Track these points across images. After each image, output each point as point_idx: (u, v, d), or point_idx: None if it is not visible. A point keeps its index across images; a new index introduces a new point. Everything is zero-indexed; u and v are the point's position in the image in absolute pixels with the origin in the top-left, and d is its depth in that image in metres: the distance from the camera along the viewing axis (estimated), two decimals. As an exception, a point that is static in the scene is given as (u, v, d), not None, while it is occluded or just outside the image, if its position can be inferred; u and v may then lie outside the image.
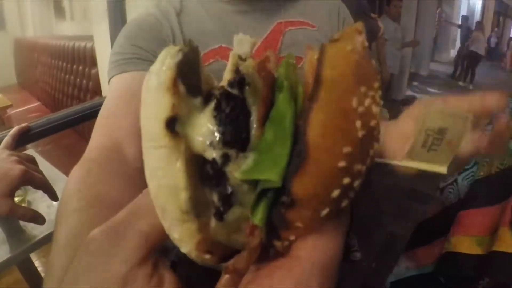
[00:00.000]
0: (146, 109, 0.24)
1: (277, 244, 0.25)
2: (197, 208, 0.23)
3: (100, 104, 0.69)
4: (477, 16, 14.62)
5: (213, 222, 0.24)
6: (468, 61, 8.94)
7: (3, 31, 6.58)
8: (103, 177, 0.54)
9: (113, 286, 0.24)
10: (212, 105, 0.24)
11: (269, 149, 0.23)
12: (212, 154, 0.23)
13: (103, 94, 2.60)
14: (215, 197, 0.24)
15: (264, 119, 0.24)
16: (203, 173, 0.24)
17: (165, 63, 0.24)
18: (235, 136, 0.23)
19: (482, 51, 8.61)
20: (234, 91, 0.25)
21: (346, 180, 0.23)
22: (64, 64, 3.76)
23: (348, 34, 0.25)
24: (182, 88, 0.24)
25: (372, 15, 2.06)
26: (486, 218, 0.69)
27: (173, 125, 0.22)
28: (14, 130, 0.96)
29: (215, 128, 0.23)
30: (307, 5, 0.84)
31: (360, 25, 0.25)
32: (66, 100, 3.82)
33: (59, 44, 3.92)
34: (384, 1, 6.14)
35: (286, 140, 0.23)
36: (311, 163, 0.21)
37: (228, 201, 0.24)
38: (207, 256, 0.24)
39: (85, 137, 3.15)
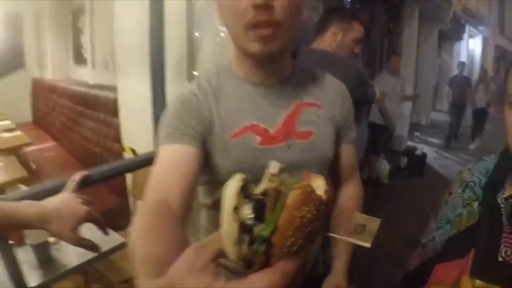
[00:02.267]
0: (226, 201, 0.50)
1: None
2: (240, 243, 0.48)
3: (146, 159, 0.94)
4: (476, 62, 14.92)
5: (245, 248, 0.48)
6: (474, 118, 8.27)
7: (22, 70, 6.95)
8: (157, 220, 0.75)
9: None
10: (253, 202, 0.50)
11: (268, 224, 0.48)
12: (249, 221, 0.49)
13: (123, 142, 2.88)
14: (247, 238, 0.49)
15: (272, 209, 0.50)
16: (244, 228, 0.49)
17: (234, 182, 0.50)
18: (259, 217, 0.49)
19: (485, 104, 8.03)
20: (262, 197, 0.50)
21: (292, 240, 0.47)
22: (85, 109, 4.06)
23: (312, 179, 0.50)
24: (241, 195, 0.50)
25: (370, 82, 2.32)
26: (456, 269, 0.85)
27: (236, 209, 0.48)
28: (77, 175, 1.15)
29: (252, 212, 0.49)
30: (319, 90, 1.07)
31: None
32: (84, 144, 4.09)
33: (80, 91, 4.23)
34: (384, 57, 6.50)
35: (274, 222, 0.48)
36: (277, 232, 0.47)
37: (252, 241, 0.49)
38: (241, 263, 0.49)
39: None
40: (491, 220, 0.82)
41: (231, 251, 0.47)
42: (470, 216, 0.88)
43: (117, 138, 3.21)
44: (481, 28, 14.20)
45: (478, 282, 0.75)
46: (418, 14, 7.20)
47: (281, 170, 0.53)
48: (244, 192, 0.50)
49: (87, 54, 4.92)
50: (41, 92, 5.84)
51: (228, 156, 0.95)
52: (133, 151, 2.75)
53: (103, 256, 1.92)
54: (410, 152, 5.97)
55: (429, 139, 8.72)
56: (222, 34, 0.96)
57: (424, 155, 5.89)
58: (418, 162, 5.75)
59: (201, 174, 0.93)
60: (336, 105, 1.08)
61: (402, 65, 5.70)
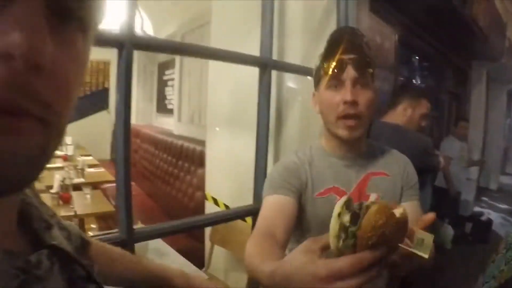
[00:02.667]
0: (334, 210, 0.73)
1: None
2: (338, 238, 0.71)
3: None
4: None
5: (341, 242, 0.70)
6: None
7: (107, 111, 7.66)
8: (267, 245, 1.04)
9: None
10: (350, 212, 0.71)
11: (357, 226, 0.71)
12: (346, 224, 0.70)
13: (206, 191, 3.15)
14: (343, 236, 0.70)
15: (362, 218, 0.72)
16: (343, 229, 0.70)
17: (342, 199, 0.75)
18: (353, 222, 0.70)
19: None
20: (357, 210, 0.73)
21: (369, 236, 0.67)
22: (170, 157, 4.46)
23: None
24: (345, 207, 0.73)
25: (435, 152, 2.51)
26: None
27: (339, 215, 0.72)
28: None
29: (349, 218, 0.71)
30: (385, 162, 1.33)
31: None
32: (165, 188, 4.47)
33: (166, 140, 4.66)
34: (451, 121, 6.55)
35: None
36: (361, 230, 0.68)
37: (347, 236, 0.70)
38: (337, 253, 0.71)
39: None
40: None
41: (332, 243, 0.70)
42: (509, 272, 1.07)
43: (201, 187, 3.54)
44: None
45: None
46: (486, 77, 7.23)
47: (377, 199, 0.76)
48: (347, 206, 0.73)
49: (173, 106, 5.40)
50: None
51: (314, 210, 1.23)
52: (215, 200, 3.00)
53: None
54: (475, 217, 5.86)
55: (497, 204, 8.39)
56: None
57: (489, 221, 5.75)
58: (483, 228, 5.61)
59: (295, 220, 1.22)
60: (399, 173, 1.32)
61: (470, 129, 5.74)
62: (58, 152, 5.04)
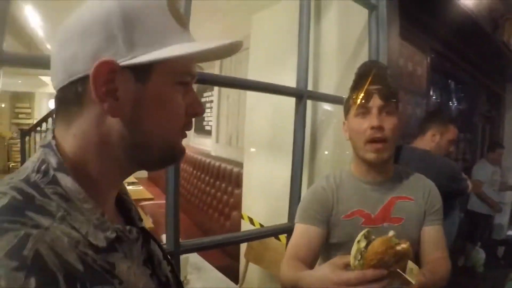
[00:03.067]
0: (356, 238, 0.95)
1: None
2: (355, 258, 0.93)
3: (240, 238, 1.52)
4: None
5: (356, 262, 0.93)
6: None
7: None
8: (295, 264, 1.26)
9: None
10: (366, 241, 0.93)
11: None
12: (363, 248, 0.92)
13: (242, 211, 3.32)
14: (359, 257, 0.93)
15: None
16: (359, 252, 0.93)
17: (363, 231, 0.95)
18: (366, 247, 0.93)
19: None
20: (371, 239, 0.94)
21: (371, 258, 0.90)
22: (207, 177, 4.67)
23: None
24: (364, 237, 0.94)
25: (463, 175, 2.60)
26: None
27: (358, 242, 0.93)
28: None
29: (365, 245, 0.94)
30: (411, 187, 1.44)
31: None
32: (202, 206, 4.66)
33: (205, 160, 4.87)
34: (484, 144, 6.52)
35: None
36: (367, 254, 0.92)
37: (360, 257, 0.93)
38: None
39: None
40: None
41: (351, 262, 0.93)
42: None
43: (237, 207, 3.71)
44: None
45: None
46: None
47: (394, 235, 0.94)
48: (366, 236, 0.93)
49: (211, 127, 5.59)
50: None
51: (341, 230, 1.38)
52: (251, 219, 3.16)
53: None
54: (508, 241, 5.80)
55: (533, 229, 8.22)
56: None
57: None
58: (516, 253, 5.55)
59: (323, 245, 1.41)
60: (423, 198, 1.43)
61: (505, 153, 5.71)
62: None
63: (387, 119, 1.30)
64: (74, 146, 0.58)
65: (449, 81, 5.58)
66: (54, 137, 0.58)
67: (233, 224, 3.82)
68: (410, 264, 0.94)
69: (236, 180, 3.99)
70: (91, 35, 0.54)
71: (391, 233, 0.95)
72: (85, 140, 0.58)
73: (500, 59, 5.35)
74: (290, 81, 2.08)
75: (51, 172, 0.54)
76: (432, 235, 1.40)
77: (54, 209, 0.51)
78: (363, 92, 1.31)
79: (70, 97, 0.57)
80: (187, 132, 0.67)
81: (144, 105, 0.58)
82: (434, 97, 5.13)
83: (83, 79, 0.55)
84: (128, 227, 0.62)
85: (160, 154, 0.63)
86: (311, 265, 1.31)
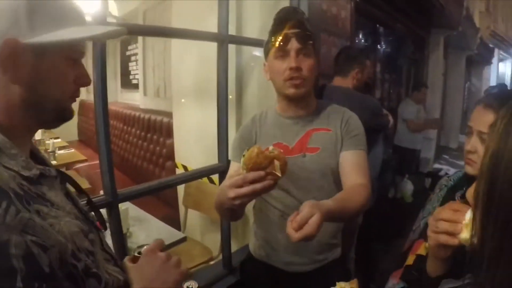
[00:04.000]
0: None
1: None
2: None
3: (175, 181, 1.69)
4: (507, 85, 14.79)
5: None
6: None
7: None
8: None
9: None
10: None
11: None
12: None
13: (176, 159, 3.42)
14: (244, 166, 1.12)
15: None
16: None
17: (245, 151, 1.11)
18: None
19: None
20: None
21: None
22: (138, 131, 4.67)
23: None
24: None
25: (384, 112, 2.82)
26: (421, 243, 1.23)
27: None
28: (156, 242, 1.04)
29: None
30: (329, 117, 1.56)
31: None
32: (136, 161, 4.69)
33: (134, 114, 4.84)
34: (410, 85, 6.93)
35: None
36: None
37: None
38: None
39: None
40: None
41: (241, 171, 1.13)
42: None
43: (170, 157, 3.79)
44: (511, 51, 14.32)
45: (427, 245, 1.16)
46: (443, 43, 7.59)
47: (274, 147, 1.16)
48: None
49: (139, 82, 5.54)
50: (89, 113, 6.51)
51: None
52: (185, 167, 3.28)
53: (168, 248, 2.39)
54: (434, 174, 6.28)
55: (457, 161, 8.91)
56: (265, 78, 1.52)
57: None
58: (441, 183, 6.04)
59: None
60: (340, 127, 1.53)
61: (429, 92, 6.10)
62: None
63: (304, 60, 1.41)
64: None
65: (375, 24, 5.81)
66: None
67: (169, 174, 3.92)
68: (276, 163, 1.11)
69: (167, 131, 4.05)
70: (1, 19, 0.70)
71: (271, 147, 1.14)
72: None
73: (425, 4, 5.61)
74: (214, 28, 2.14)
75: None
76: (350, 159, 1.49)
77: None
78: (281, 36, 1.41)
79: None
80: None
81: (39, 75, 0.74)
82: (362, 40, 5.37)
83: None
84: (47, 167, 0.80)
85: (54, 114, 0.80)
86: None
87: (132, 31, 2.09)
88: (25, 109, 0.75)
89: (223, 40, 2.09)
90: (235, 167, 1.52)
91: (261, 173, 1.08)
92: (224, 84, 2.12)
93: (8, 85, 0.73)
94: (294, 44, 1.40)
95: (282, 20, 1.44)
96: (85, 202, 1.01)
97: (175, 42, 3.31)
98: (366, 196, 1.39)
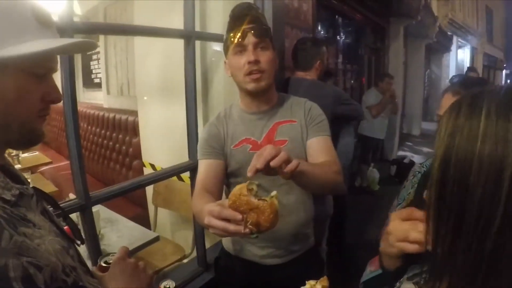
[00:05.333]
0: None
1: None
2: None
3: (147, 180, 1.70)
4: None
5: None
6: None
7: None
8: (203, 195, 1.41)
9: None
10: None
11: None
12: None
13: (143, 158, 3.38)
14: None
15: None
16: None
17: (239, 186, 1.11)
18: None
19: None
20: None
21: None
22: (103, 131, 4.61)
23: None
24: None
25: (352, 101, 2.91)
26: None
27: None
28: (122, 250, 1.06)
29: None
30: (292, 109, 1.59)
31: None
32: (103, 161, 4.63)
33: (98, 114, 4.77)
34: (371, 74, 7.10)
35: None
36: None
37: None
38: None
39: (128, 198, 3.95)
40: (421, 194, 1.36)
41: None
42: (414, 194, 1.40)
43: (137, 156, 3.76)
44: (469, 38, 14.79)
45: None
46: (403, 32, 7.80)
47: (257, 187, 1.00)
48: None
49: (101, 80, 5.44)
50: (51, 114, 6.33)
51: (232, 159, 1.57)
52: (152, 165, 3.25)
53: (141, 248, 2.46)
54: (398, 161, 6.50)
55: (420, 148, 9.25)
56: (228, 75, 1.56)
57: (412, 163, 6.33)
58: (406, 170, 6.20)
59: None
60: (304, 116, 1.59)
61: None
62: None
63: (262, 54, 1.46)
64: None
65: (336, 16, 5.92)
66: None
67: (136, 173, 3.90)
68: (253, 215, 0.98)
69: (132, 129, 4.03)
70: None
71: (273, 193, 1.00)
72: None
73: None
74: (178, 25, 2.16)
75: None
76: (316, 145, 1.56)
77: None
78: (239, 32, 1.46)
79: None
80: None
81: (0, 93, 0.70)
82: (322, 32, 5.45)
83: None
84: (24, 186, 0.77)
85: (20, 135, 0.76)
86: (218, 194, 1.50)
87: (97, 30, 2.07)
88: None
89: (190, 36, 2.11)
90: (204, 164, 1.57)
91: (237, 216, 0.97)
92: (192, 81, 2.15)
93: None
94: (251, 39, 1.44)
95: (238, 16, 1.49)
96: (61, 217, 1.01)
97: (138, 39, 3.26)
98: (337, 170, 1.45)
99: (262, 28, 1.47)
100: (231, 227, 0.98)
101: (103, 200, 1.82)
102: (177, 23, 2.17)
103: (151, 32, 2.15)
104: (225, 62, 1.58)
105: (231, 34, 1.48)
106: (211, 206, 1.04)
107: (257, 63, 1.45)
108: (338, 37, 6.31)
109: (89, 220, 1.69)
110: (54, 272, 0.70)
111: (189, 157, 2.24)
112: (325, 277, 1.01)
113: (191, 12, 2.12)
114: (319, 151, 1.53)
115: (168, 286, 1.18)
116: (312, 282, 1.01)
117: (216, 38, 2.33)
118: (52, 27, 0.77)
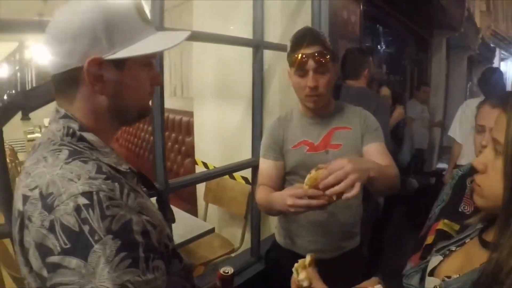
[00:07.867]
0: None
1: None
2: None
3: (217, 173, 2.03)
4: (509, 84, 14.87)
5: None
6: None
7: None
8: (269, 189, 1.65)
9: None
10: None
11: None
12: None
13: (196, 156, 3.61)
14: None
15: None
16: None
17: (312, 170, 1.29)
18: None
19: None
20: None
21: None
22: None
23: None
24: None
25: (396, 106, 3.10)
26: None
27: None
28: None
29: None
30: (348, 116, 1.72)
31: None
32: (153, 159, 4.85)
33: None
34: (413, 86, 7.14)
35: None
36: None
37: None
38: None
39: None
40: (459, 192, 1.45)
41: (303, 186, 1.27)
42: (452, 195, 1.51)
43: (189, 154, 4.01)
44: (512, 50, 14.46)
45: (445, 221, 1.39)
46: (446, 44, 7.80)
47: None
48: (316, 169, 1.26)
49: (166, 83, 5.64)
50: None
51: (290, 158, 1.74)
52: (205, 164, 3.46)
53: (197, 238, 2.65)
54: (437, 173, 6.52)
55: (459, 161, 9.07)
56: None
57: None
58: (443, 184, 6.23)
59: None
60: (360, 124, 1.71)
61: (432, 93, 6.31)
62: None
63: (321, 78, 1.57)
64: (80, 116, 0.85)
65: (381, 28, 6.04)
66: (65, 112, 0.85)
67: (187, 170, 4.12)
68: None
69: (186, 129, 4.25)
70: (82, 38, 0.79)
71: (320, 165, 1.26)
72: (86, 111, 0.85)
73: (427, 7, 5.83)
74: (234, 32, 2.34)
75: (78, 133, 0.83)
76: (374, 150, 1.67)
77: (89, 155, 0.81)
78: (299, 55, 1.56)
79: (66, 80, 0.83)
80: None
81: (122, 85, 0.85)
82: (367, 43, 5.59)
83: (76, 69, 0.80)
84: (129, 166, 0.92)
85: (136, 114, 0.93)
86: (278, 189, 1.68)
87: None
88: (110, 114, 0.88)
89: (258, 45, 2.30)
90: (265, 164, 1.76)
91: (320, 192, 1.22)
92: (259, 87, 2.35)
93: (96, 96, 0.84)
94: (311, 64, 1.55)
95: (300, 40, 1.59)
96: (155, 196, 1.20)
97: (196, 45, 3.47)
98: (396, 173, 1.59)
99: (322, 53, 1.56)
100: (315, 202, 1.24)
101: (181, 187, 2.02)
102: (234, 30, 2.35)
103: (222, 40, 2.31)
104: (288, 72, 1.68)
105: (293, 56, 1.58)
106: (291, 190, 1.32)
107: (316, 88, 1.57)
108: (381, 48, 6.43)
109: (166, 205, 1.89)
110: (161, 233, 0.86)
111: (252, 154, 2.43)
112: (312, 254, 1.21)
113: (260, 23, 2.30)
114: (376, 156, 1.63)
115: (227, 272, 1.26)
116: (300, 260, 1.21)
117: (281, 48, 2.51)
118: (151, 23, 0.91)
